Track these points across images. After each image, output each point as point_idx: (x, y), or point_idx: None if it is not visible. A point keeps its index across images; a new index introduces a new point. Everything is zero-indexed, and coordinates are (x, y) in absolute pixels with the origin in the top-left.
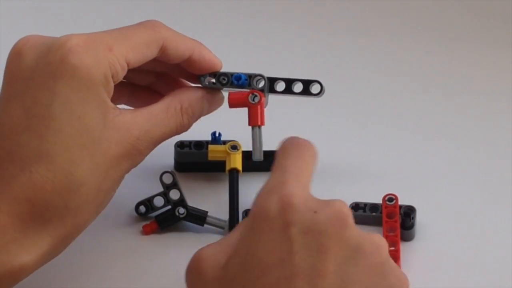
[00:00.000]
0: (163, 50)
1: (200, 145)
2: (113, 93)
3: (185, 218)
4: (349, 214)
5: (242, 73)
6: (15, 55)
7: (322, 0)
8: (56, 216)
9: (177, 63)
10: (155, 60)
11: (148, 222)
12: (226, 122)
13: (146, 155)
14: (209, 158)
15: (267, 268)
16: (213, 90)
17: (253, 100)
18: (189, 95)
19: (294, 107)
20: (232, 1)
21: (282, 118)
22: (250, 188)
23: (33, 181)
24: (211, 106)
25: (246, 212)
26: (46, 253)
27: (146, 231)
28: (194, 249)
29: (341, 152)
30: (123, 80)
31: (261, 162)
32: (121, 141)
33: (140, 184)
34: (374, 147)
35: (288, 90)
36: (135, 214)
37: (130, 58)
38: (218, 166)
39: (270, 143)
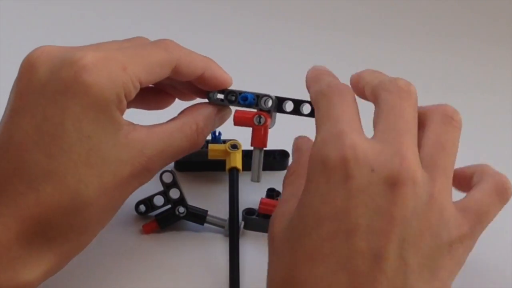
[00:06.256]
0: (175, 70)
1: None
2: None
3: (185, 217)
4: (405, 177)
5: (249, 93)
6: (28, 68)
7: (322, 0)
8: (61, 235)
9: (189, 80)
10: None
11: (148, 221)
12: (226, 122)
13: (155, 174)
14: (209, 157)
15: (322, 220)
16: (222, 106)
17: (259, 121)
18: (204, 114)
19: None
20: (231, 2)
21: (281, 118)
22: (250, 187)
23: (40, 200)
24: (220, 121)
25: (247, 211)
26: (49, 270)
27: (146, 230)
28: (194, 248)
29: None
30: None
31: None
32: (131, 161)
33: None
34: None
35: (296, 111)
36: (135, 213)
37: (143, 78)
38: (218, 165)
39: (269, 142)
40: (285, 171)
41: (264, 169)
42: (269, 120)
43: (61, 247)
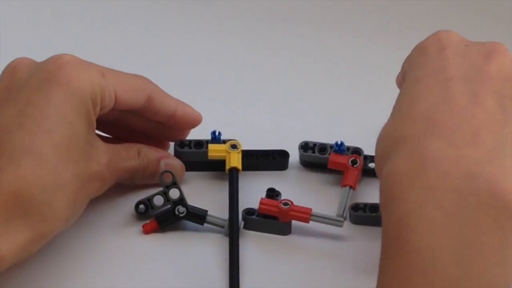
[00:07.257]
0: (149, 101)
1: (200, 144)
2: None
3: (185, 217)
4: (499, 49)
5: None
6: (10, 70)
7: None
8: (39, 212)
9: (162, 119)
10: (141, 117)
11: (148, 221)
12: (226, 121)
13: (105, 188)
14: (209, 157)
15: (420, 79)
16: (173, 157)
17: (353, 164)
18: (147, 147)
19: (295, 106)
20: (229, 2)
21: (280, 117)
22: (250, 187)
23: (21, 174)
24: (168, 167)
25: (246, 211)
26: (24, 248)
27: (146, 230)
28: (194, 248)
29: None
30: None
31: (261, 161)
32: (97, 162)
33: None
34: (373, 147)
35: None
36: (135, 213)
37: (119, 93)
38: (218, 165)
39: (268, 142)
40: (285, 171)
41: (264, 169)
42: (362, 163)
43: (37, 225)
